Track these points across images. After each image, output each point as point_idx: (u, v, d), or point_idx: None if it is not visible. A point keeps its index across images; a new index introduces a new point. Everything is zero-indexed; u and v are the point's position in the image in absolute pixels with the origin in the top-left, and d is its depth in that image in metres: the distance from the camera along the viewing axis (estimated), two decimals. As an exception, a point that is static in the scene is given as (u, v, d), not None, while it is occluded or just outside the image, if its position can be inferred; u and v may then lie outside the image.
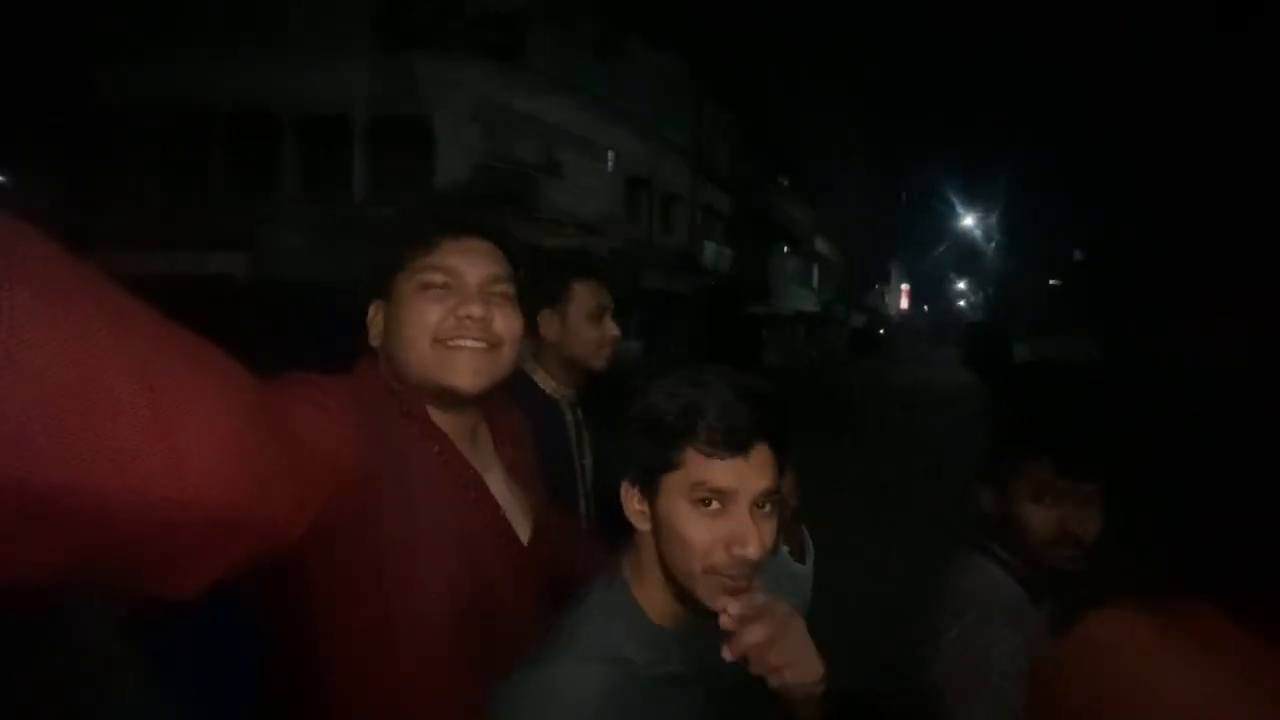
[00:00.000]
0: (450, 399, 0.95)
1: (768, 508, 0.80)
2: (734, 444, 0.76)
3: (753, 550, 0.76)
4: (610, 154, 13.69)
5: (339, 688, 0.86)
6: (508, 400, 1.11)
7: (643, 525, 0.83)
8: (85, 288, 0.44)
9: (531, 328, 1.52)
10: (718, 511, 0.77)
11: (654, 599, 0.84)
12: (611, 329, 1.58)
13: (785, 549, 1.39)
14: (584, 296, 1.56)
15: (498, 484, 1.01)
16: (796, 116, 27.94)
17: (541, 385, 1.59)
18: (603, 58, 13.12)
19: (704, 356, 10.61)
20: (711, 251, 17.96)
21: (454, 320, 0.92)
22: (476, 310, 0.92)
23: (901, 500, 5.92)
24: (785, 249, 26.02)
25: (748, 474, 0.77)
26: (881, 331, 40.48)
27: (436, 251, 0.94)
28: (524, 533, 1.02)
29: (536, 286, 1.53)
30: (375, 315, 0.98)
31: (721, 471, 0.77)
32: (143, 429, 0.45)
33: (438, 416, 0.96)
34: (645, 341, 11.99)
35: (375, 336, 0.97)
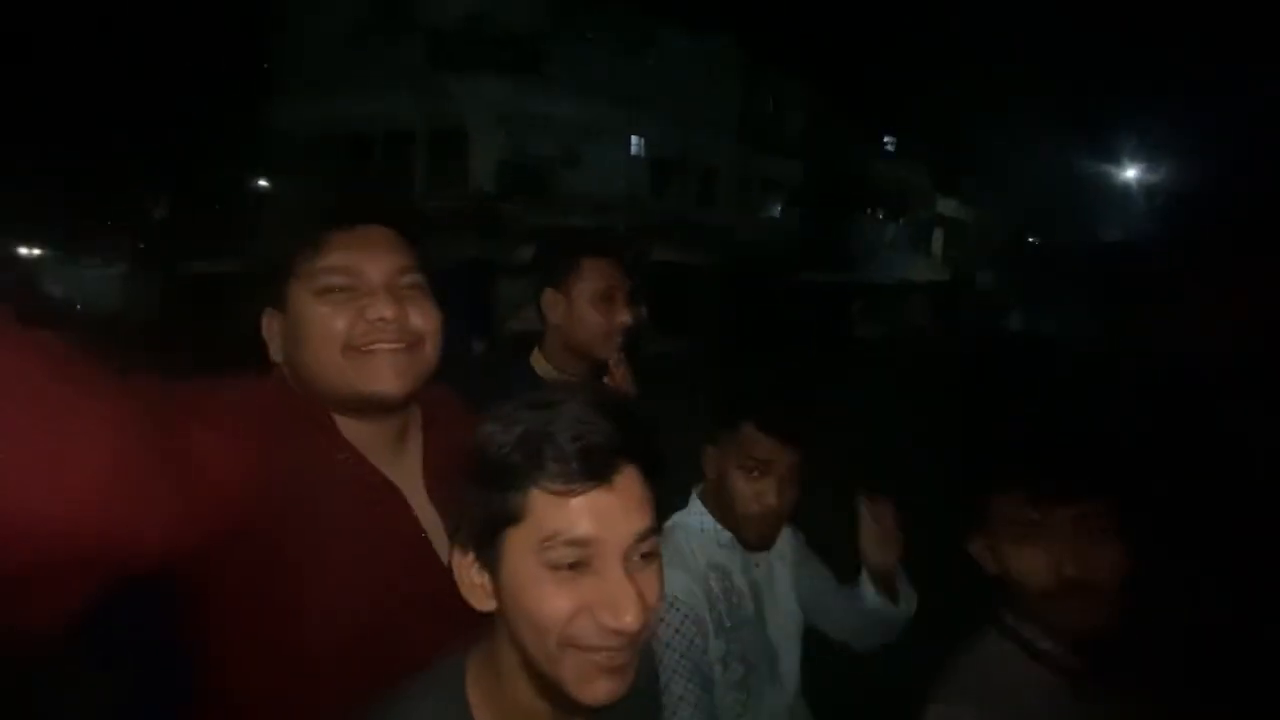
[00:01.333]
0: (373, 407, 0.90)
1: (647, 552, 0.65)
2: (592, 470, 0.62)
3: (631, 619, 0.61)
4: (634, 139, 15.69)
5: (246, 706, 0.86)
6: (452, 401, 1.04)
7: (485, 604, 0.67)
8: None
9: (535, 308, 1.51)
10: (580, 570, 0.62)
11: (495, 701, 0.69)
12: (622, 314, 1.47)
13: (871, 588, 1.25)
14: (593, 276, 1.46)
15: (420, 498, 0.95)
16: (917, 72, 27.11)
17: (541, 373, 1.52)
18: (630, 51, 15.09)
19: (728, 329, 12.07)
20: (757, 222, 19.05)
21: (365, 324, 0.87)
22: (388, 311, 0.87)
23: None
24: (888, 214, 25.69)
25: (614, 512, 0.63)
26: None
27: (329, 249, 0.88)
28: (443, 545, 0.90)
29: (542, 263, 1.53)
30: (270, 326, 0.92)
31: (580, 514, 0.62)
32: (27, 452, 0.48)
33: (352, 427, 0.91)
34: (648, 317, 13.85)
35: (276, 350, 0.92)
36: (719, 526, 1.29)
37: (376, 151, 15.09)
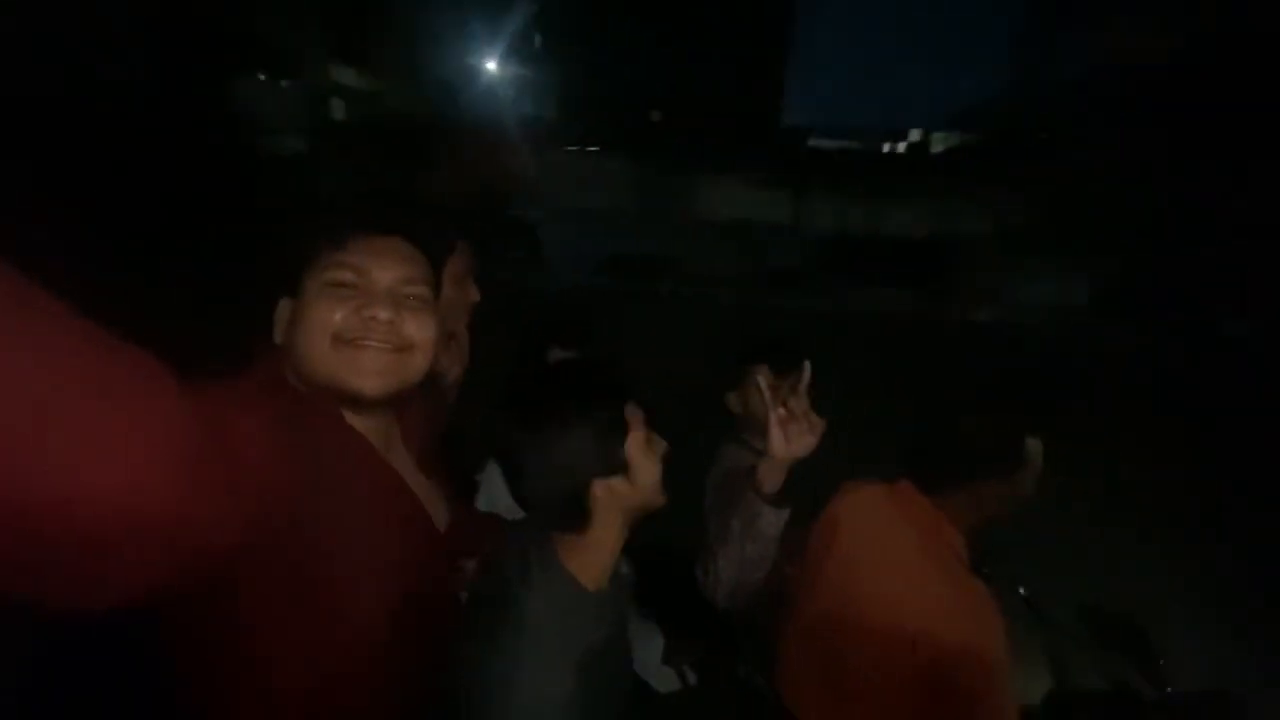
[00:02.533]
0: (351, 402, 0.94)
1: None
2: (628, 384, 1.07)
3: (664, 442, 1.11)
4: None
5: (271, 693, 0.87)
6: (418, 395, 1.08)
7: (617, 505, 1.05)
8: (27, 299, 0.45)
9: None
10: (649, 436, 1.07)
11: (597, 563, 1.04)
12: (474, 293, 1.52)
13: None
14: (460, 258, 1.47)
15: (413, 478, 1.04)
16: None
17: None
18: None
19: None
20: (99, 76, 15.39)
21: (359, 320, 0.92)
22: (383, 313, 0.93)
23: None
24: (273, 78, 23.62)
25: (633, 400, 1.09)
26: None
27: (346, 249, 0.95)
28: (441, 522, 1.07)
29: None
30: (282, 311, 0.97)
31: (637, 407, 1.06)
32: (98, 436, 0.46)
33: (353, 417, 0.96)
34: None
35: (280, 334, 0.97)
36: None
37: None
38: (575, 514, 1.02)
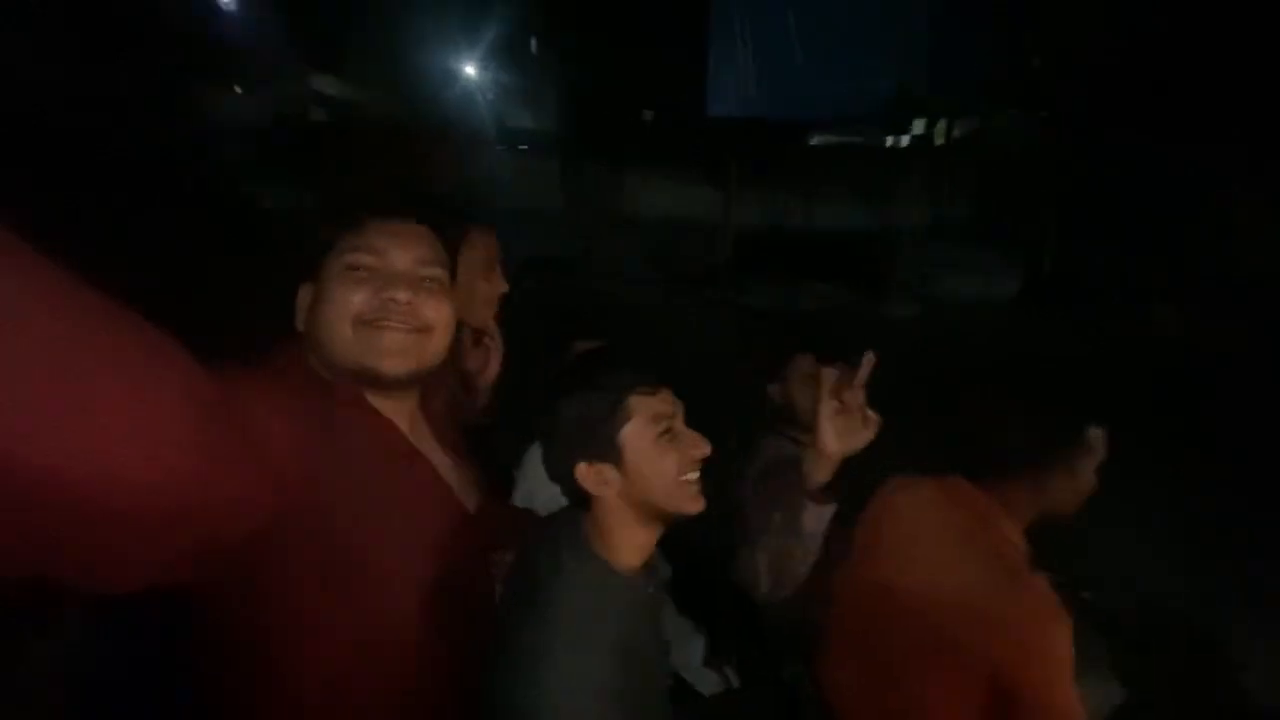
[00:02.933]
0: (374, 383, 0.95)
1: None
2: (656, 377, 1.02)
3: (707, 446, 1.03)
4: None
5: (307, 685, 0.87)
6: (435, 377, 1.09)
7: (608, 491, 0.99)
8: (54, 280, 0.45)
9: None
10: (670, 431, 1.00)
11: (624, 552, 1.01)
12: (500, 284, 1.49)
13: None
14: (480, 245, 1.44)
15: (440, 461, 1.05)
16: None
17: None
18: None
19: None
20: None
21: (378, 301, 0.93)
22: (402, 294, 0.94)
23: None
24: (248, 89, 23.37)
25: (665, 393, 1.03)
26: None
27: (365, 233, 0.96)
28: (471, 505, 1.07)
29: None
30: (302, 296, 0.98)
31: (660, 400, 1.01)
32: (119, 415, 0.46)
33: (378, 402, 0.97)
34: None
35: (301, 320, 0.98)
36: None
37: None
38: (576, 494, 1.02)
